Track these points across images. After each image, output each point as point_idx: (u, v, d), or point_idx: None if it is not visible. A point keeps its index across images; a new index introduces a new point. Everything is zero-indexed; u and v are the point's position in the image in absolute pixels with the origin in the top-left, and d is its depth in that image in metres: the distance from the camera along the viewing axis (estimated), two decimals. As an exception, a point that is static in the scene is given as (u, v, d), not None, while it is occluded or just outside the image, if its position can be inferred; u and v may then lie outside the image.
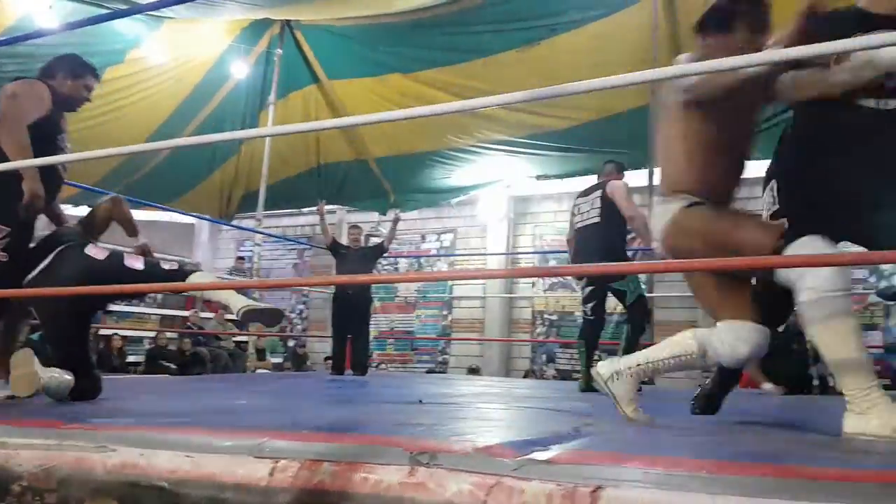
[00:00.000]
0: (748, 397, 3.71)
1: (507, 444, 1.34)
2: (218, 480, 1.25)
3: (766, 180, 2.31)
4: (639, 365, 2.01)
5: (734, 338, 1.88)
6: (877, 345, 7.10)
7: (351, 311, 5.75)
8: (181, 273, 2.64)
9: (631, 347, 3.93)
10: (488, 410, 2.28)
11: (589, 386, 3.83)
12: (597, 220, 4.05)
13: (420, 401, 2.54)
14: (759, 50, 1.96)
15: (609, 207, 4.03)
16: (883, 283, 5.98)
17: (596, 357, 4.19)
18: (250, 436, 1.38)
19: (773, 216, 2.30)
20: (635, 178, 8.06)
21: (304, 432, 1.49)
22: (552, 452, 1.27)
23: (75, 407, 2.26)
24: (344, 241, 6.36)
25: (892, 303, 6.87)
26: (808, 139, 2.15)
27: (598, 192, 4.13)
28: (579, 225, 4.19)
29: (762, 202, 2.44)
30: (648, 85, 4.71)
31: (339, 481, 1.22)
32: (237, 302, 2.68)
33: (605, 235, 4.00)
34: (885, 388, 1.77)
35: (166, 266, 2.76)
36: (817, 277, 1.73)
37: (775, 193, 2.29)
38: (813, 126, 2.12)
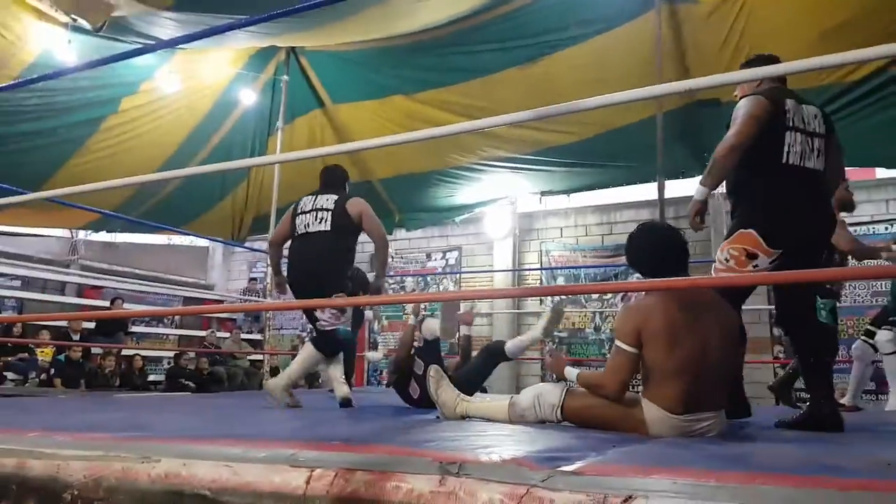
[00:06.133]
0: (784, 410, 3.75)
1: (533, 457, 1.37)
2: (257, 489, 1.30)
3: None
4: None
5: None
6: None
7: None
8: None
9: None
10: (508, 426, 2.31)
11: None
12: None
13: (437, 417, 2.59)
14: None
15: None
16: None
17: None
18: (285, 446, 1.43)
19: None
20: (644, 191, 8.25)
21: (336, 443, 1.54)
22: (580, 464, 1.29)
23: (120, 420, 2.33)
24: None
25: None
26: None
27: None
28: None
29: None
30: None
31: (372, 490, 1.26)
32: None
33: None
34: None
35: None
36: None
37: None
38: None
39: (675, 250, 2.26)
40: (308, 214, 3.69)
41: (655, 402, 2.12)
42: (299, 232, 3.69)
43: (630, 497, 1.08)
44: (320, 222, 3.61)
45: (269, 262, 4.46)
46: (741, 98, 2.64)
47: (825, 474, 1.26)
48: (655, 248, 2.27)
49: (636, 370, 2.18)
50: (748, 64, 2.70)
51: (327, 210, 3.63)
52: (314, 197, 3.77)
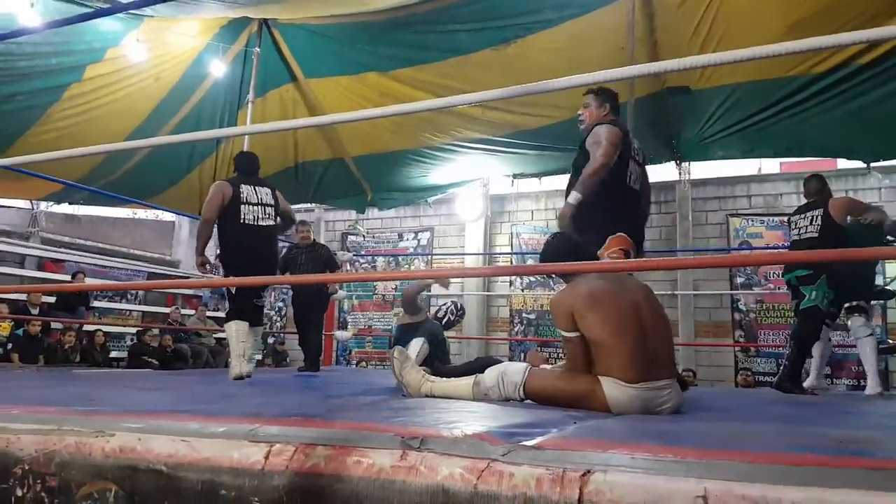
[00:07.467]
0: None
1: (495, 432, 1.38)
2: (214, 464, 1.29)
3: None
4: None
5: None
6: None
7: (309, 306, 5.89)
8: None
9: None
10: (472, 404, 2.33)
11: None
12: (814, 235, 4.22)
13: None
14: None
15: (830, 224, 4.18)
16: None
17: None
18: (244, 422, 1.42)
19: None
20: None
21: (297, 418, 1.53)
22: (541, 439, 1.31)
23: (74, 394, 2.28)
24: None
25: None
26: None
27: (819, 211, 4.25)
28: (795, 239, 4.44)
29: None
30: (626, 83, 4.81)
31: (332, 464, 1.25)
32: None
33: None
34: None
35: None
36: None
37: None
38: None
39: (581, 255, 2.56)
40: (255, 207, 4.03)
41: (610, 374, 2.21)
42: (247, 221, 3.99)
43: (589, 471, 1.09)
44: (268, 217, 4.11)
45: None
46: (588, 121, 3.29)
47: (777, 451, 1.30)
48: (565, 253, 2.54)
49: (589, 349, 2.31)
50: (594, 94, 3.36)
51: (271, 206, 4.14)
52: (252, 188, 4.08)
